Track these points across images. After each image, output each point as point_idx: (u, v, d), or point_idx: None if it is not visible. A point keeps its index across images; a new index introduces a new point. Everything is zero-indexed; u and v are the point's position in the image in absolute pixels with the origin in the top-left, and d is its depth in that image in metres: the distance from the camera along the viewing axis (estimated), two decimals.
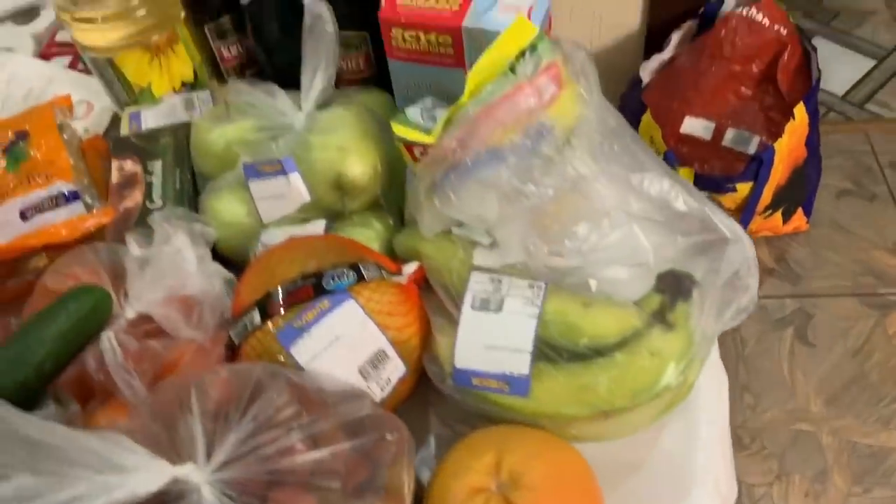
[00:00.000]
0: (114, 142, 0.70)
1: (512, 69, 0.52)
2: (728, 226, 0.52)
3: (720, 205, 1.34)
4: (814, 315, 1.40)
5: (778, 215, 1.43)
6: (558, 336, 0.50)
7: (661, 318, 0.50)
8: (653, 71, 1.45)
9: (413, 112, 0.56)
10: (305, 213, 0.62)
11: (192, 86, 0.78)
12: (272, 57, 0.72)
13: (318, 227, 0.61)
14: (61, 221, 0.64)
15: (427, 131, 0.54)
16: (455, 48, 0.58)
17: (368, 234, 0.61)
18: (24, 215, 0.65)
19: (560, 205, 0.49)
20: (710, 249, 0.52)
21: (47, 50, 1.01)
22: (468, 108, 0.52)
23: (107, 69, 0.73)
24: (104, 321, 0.56)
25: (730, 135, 1.41)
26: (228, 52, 0.75)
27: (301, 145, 0.59)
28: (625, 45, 1.54)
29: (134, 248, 0.55)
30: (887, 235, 1.49)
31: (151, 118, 0.74)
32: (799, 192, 1.41)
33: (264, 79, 0.75)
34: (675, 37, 1.44)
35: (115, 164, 0.69)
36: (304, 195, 0.60)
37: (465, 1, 0.58)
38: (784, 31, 1.33)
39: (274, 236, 0.61)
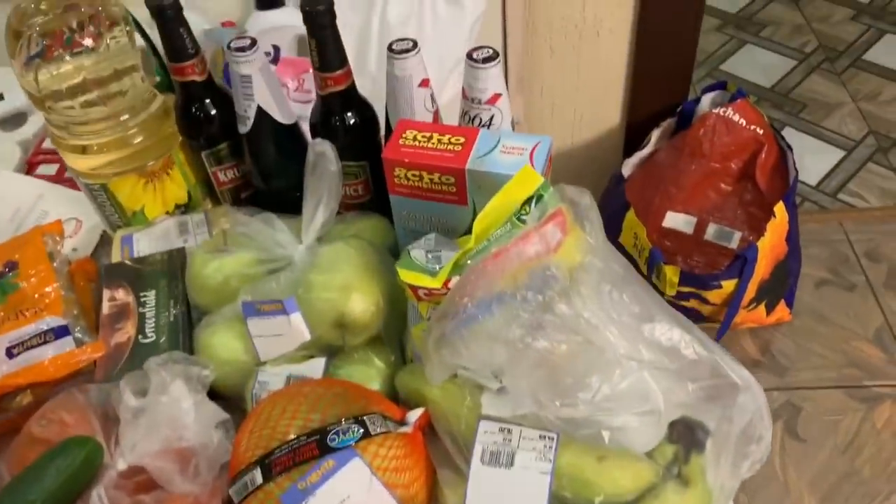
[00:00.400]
0: (105, 269, 0.69)
1: (518, 217, 0.52)
2: (739, 373, 0.51)
3: (706, 300, 1.35)
4: (802, 408, 1.40)
5: (762, 307, 1.44)
6: (572, 493, 0.48)
7: (675, 471, 0.49)
8: (633, 166, 1.49)
9: (417, 253, 0.55)
10: (304, 351, 0.60)
11: (185, 207, 0.77)
12: (269, 182, 0.72)
13: (317, 365, 0.60)
14: (49, 358, 0.62)
15: (432, 274, 0.54)
16: (458, 187, 0.59)
17: (370, 373, 0.60)
18: (10, 352, 0.62)
19: (571, 357, 0.48)
20: (722, 396, 0.51)
21: (34, 158, 1.00)
22: (475, 255, 0.52)
23: (100, 194, 0.73)
24: (94, 475, 0.53)
25: (711, 230, 1.44)
26: (224, 175, 0.74)
27: (303, 284, 0.58)
28: (605, 141, 1.58)
29: (129, 397, 0.53)
30: (868, 326, 1.51)
31: (144, 243, 0.72)
32: (781, 285, 1.43)
33: (259, 201, 0.75)
34: (655, 134, 1.48)
35: (106, 293, 0.67)
36: (305, 335, 0.58)
37: (467, 141, 0.59)
38: (760, 131, 1.37)
39: (271, 375, 0.59)
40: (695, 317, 1.42)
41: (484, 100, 0.61)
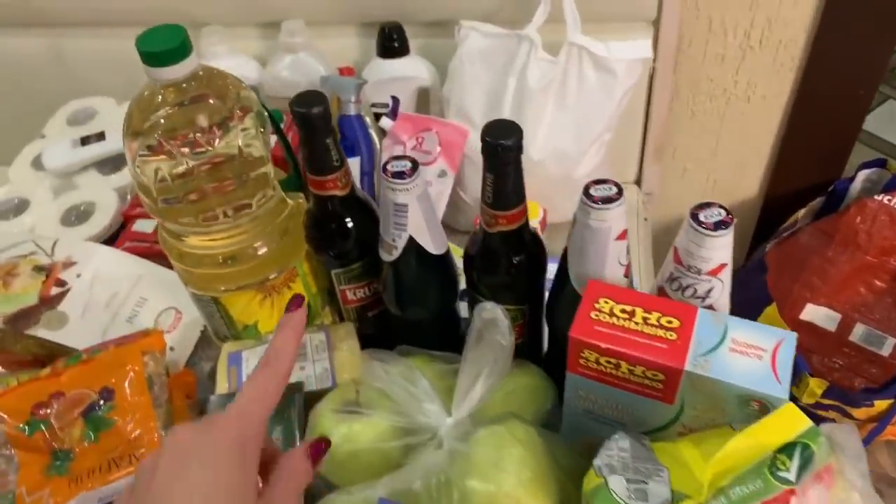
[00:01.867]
0: (210, 406, 0.58)
1: (772, 471, 0.39)
2: None
3: (849, 415, 1.19)
4: None
5: None
6: None
7: None
8: (771, 247, 1.32)
9: (617, 484, 0.42)
10: None
11: None
12: (407, 311, 0.60)
13: None
14: None
15: None
16: (667, 386, 0.46)
17: None
18: None
19: None
20: None
21: (131, 210, 0.92)
22: None
23: (209, 305, 0.62)
24: None
25: (859, 331, 1.27)
26: (354, 295, 0.63)
27: (458, 489, 0.46)
28: (738, 212, 1.42)
29: None
30: None
31: (254, 365, 0.62)
32: None
33: (389, 322, 0.64)
34: (801, 213, 1.32)
35: None
36: None
37: (683, 326, 0.46)
38: None
39: None
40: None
41: (705, 270, 0.48)
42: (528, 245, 0.54)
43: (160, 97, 0.53)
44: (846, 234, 1.23)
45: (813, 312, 1.29)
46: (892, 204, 1.20)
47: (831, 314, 1.28)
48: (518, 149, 0.48)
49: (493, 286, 0.55)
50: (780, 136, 1.28)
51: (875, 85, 1.18)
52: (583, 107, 0.95)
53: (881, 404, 1.14)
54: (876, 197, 1.21)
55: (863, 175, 1.30)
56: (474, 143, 0.97)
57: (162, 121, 0.53)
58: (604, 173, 1.03)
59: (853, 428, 0.40)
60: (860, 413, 1.17)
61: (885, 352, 1.25)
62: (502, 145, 0.47)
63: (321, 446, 0.39)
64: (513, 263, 0.54)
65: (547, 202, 0.96)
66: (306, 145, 0.53)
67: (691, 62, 1.17)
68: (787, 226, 1.30)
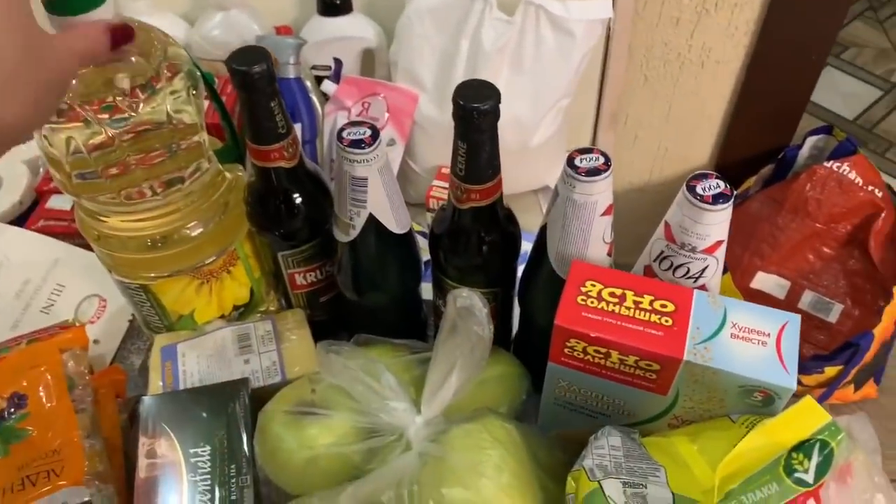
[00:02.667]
0: (142, 406, 0.51)
1: (787, 470, 0.35)
2: None
3: (799, 382, 1.19)
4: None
5: (850, 386, 1.28)
6: None
7: None
8: None
9: (613, 489, 0.38)
10: None
11: (245, 306, 0.60)
12: (365, 296, 0.54)
13: None
14: None
15: None
16: (662, 377, 0.42)
17: None
18: None
19: None
20: None
21: (44, 184, 0.82)
22: None
23: (138, 293, 0.55)
24: None
25: (807, 298, 1.27)
26: (304, 279, 0.57)
27: (433, 500, 0.41)
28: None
29: None
30: None
31: (192, 360, 0.55)
32: (877, 365, 1.27)
33: (343, 307, 0.58)
34: (752, 181, 1.31)
35: (143, 442, 0.50)
36: None
37: (678, 311, 0.42)
38: (879, 194, 1.20)
39: None
40: None
41: (700, 248, 0.43)
42: (502, 223, 0.49)
43: None
44: (795, 201, 1.23)
45: (763, 280, 1.29)
46: (840, 171, 1.20)
47: (781, 282, 1.28)
48: (495, 114, 0.42)
49: (463, 268, 0.50)
50: (733, 103, 1.26)
51: (826, 50, 1.17)
52: (540, 71, 0.90)
53: (831, 371, 1.15)
54: (825, 164, 1.21)
55: (810, 142, 1.30)
56: (424, 108, 0.91)
57: (73, 81, 0.45)
58: (560, 141, 0.99)
59: (867, 419, 0.37)
60: (810, 380, 1.17)
61: (832, 318, 1.26)
62: (478, 110, 0.41)
63: (126, 30, 0.39)
64: (486, 243, 0.48)
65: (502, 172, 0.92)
66: (247, 110, 0.46)
67: (646, 25, 1.13)
68: (738, 193, 1.29)
